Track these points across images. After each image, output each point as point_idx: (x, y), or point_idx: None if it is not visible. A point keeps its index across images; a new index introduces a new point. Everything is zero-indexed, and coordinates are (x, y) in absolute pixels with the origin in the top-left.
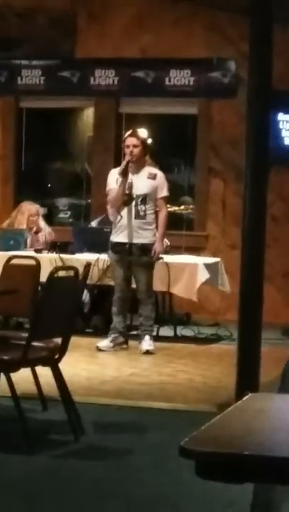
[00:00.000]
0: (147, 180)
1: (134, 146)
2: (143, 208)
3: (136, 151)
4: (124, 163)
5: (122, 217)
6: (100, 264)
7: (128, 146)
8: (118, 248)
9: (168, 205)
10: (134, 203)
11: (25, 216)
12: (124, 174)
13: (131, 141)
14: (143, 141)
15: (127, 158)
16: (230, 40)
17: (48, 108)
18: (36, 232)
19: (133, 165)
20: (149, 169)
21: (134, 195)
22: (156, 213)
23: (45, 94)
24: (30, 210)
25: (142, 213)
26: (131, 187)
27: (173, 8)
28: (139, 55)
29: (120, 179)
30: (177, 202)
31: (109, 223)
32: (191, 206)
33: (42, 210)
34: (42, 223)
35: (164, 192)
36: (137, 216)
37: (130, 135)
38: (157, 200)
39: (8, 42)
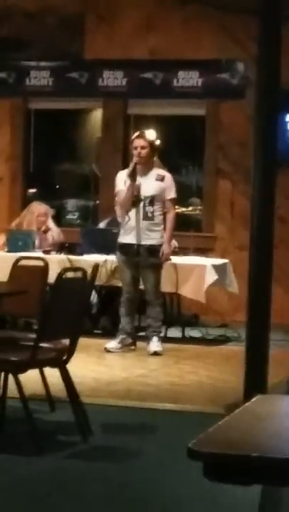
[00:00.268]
0: (155, 182)
1: (142, 147)
2: (151, 210)
3: (144, 152)
4: (131, 165)
5: (130, 218)
6: (108, 265)
7: (136, 148)
8: (126, 249)
9: (176, 207)
10: (142, 204)
11: (35, 216)
12: (132, 176)
13: (138, 142)
14: (151, 143)
15: (135, 160)
16: (238, 42)
17: (56, 109)
18: (45, 232)
19: (141, 166)
20: (157, 171)
21: (143, 197)
22: (164, 215)
23: (54, 95)
24: (39, 210)
25: (150, 215)
26: (139, 189)
27: (181, 9)
28: (147, 56)
29: (128, 181)
30: (185, 203)
31: (118, 224)
32: (199, 207)
33: (52, 211)
34: (51, 223)
35: (172, 194)
36: (145, 217)
37: (138, 136)
38: (165, 202)
39: (17, 43)
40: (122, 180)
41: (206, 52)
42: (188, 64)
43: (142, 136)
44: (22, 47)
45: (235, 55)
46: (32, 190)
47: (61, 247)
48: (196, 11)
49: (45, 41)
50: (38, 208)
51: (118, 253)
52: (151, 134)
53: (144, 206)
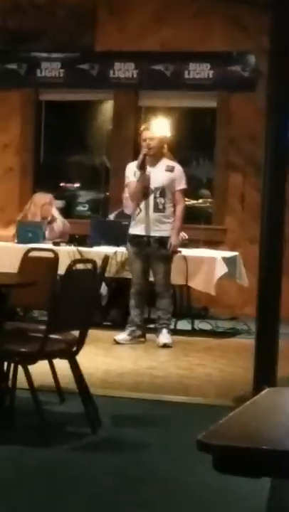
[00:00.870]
0: (165, 173)
1: (151, 139)
2: (162, 201)
3: (152, 144)
4: (140, 156)
5: (140, 210)
6: (117, 257)
7: (144, 140)
8: (136, 241)
9: (185, 198)
10: (152, 195)
11: (39, 206)
12: (141, 167)
13: (147, 134)
14: (159, 134)
15: (144, 151)
16: (250, 34)
17: (67, 101)
18: (50, 222)
19: (150, 157)
20: (167, 162)
21: (153, 188)
22: (174, 206)
23: (65, 87)
24: (44, 198)
25: (160, 206)
26: (149, 180)
27: (193, 2)
28: (158, 48)
29: (138, 173)
30: (196, 195)
31: (126, 217)
32: (209, 200)
33: (59, 203)
34: (56, 212)
35: (181, 184)
36: (156, 209)
37: (146, 128)
38: (175, 193)
39: (28, 35)
40: (132, 171)
41: (217, 45)
42: (200, 56)
43: (149, 128)
44: (33, 38)
45: (247, 47)
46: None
47: (71, 239)
48: (207, 3)
49: (56, 33)
50: (41, 197)
51: (128, 244)
52: (162, 124)
53: (155, 198)
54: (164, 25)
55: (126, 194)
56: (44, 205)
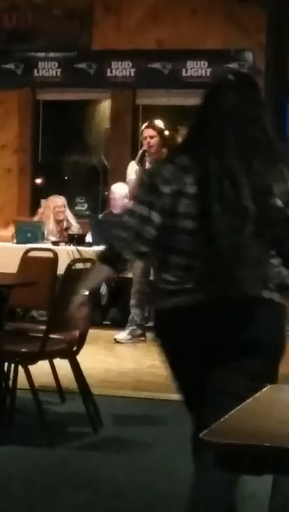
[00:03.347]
0: None
1: (151, 136)
2: None
3: (153, 141)
4: (140, 152)
5: None
6: None
7: (145, 138)
8: None
9: None
10: None
11: (51, 209)
12: (140, 163)
13: (147, 132)
14: (160, 132)
15: (144, 148)
16: (247, 32)
17: (64, 100)
18: (66, 229)
19: (151, 155)
20: None
21: None
22: None
23: (62, 86)
24: (56, 201)
25: None
26: None
27: None
28: (155, 46)
29: (138, 169)
30: None
31: (114, 216)
32: None
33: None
34: (70, 216)
35: None
36: None
37: (147, 126)
38: None
39: (25, 34)
40: (133, 169)
41: (214, 42)
42: (197, 54)
43: (150, 126)
44: (30, 38)
45: (244, 45)
46: (38, 181)
47: (70, 238)
48: (204, 1)
49: (53, 32)
50: (55, 200)
51: None
52: (159, 123)
53: None
54: (161, 23)
55: (114, 195)
56: (56, 207)
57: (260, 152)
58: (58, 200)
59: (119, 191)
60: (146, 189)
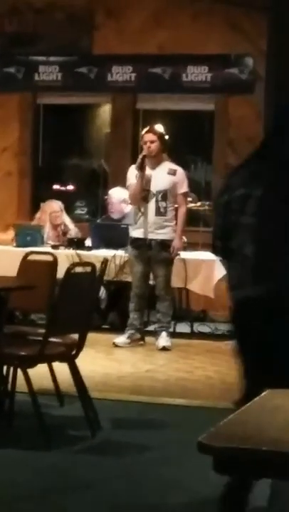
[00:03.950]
0: (167, 176)
1: (151, 141)
2: (164, 205)
3: (153, 146)
4: (140, 157)
5: (142, 213)
6: (116, 260)
7: (145, 143)
8: (137, 244)
9: (189, 200)
10: (154, 199)
11: (48, 214)
12: (140, 168)
13: (148, 137)
14: (160, 136)
15: (144, 152)
16: (247, 37)
17: (65, 104)
18: (64, 234)
19: (151, 160)
20: (169, 165)
21: (155, 192)
22: (175, 210)
23: (63, 90)
24: (52, 207)
25: (162, 210)
26: (149, 181)
27: (190, 5)
28: (156, 51)
29: (138, 174)
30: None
31: (113, 221)
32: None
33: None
34: (67, 220)
35: (183, 188)
36: (158, 213)
37: (147, 131)
38: (177, 196)
39: (26, 38)
40: (133, 173)
41: (215, 47)
42: (198, 59)
43: (150, 130)
44: (31, 42)
45: (244, 50)
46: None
47: (70, 242)
48: (205, 6)
49: (54, 36)
50: (51, 205)
51: (130, 247)
52: (159, 128)
53: (157, 201)
54: (162, 28)
55: (111, 199)
56: (52, 212)
57: None
58: (55, 205)
59: (117, 196)
60: None
